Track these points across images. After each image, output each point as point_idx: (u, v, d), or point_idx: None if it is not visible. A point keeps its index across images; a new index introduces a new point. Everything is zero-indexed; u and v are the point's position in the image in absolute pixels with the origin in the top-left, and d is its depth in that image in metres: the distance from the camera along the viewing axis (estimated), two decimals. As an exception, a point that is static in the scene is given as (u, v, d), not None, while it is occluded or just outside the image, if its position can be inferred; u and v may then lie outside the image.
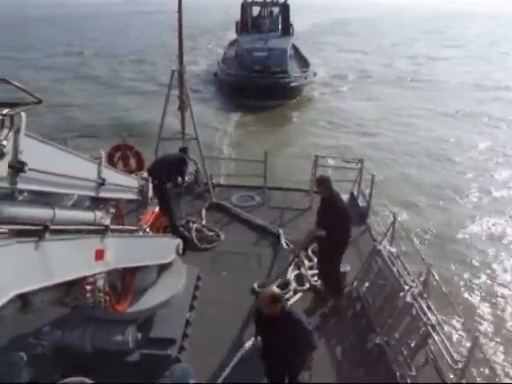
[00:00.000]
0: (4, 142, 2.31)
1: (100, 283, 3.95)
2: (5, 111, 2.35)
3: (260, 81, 26.89)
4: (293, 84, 28.04)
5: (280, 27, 36.55)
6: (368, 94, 31.98)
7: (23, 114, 2.54)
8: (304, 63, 33.58)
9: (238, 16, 38.96)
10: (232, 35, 42.61)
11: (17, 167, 2.45)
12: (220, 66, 33.61)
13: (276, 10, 38.40)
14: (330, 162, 12.88)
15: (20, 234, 2.67)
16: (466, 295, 10.58)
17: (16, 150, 2.46)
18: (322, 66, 39.34)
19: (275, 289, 4.57)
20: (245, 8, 37.49)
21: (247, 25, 36.92)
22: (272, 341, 4.47)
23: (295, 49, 35.85)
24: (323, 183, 6.49)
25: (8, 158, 2.41)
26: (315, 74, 32.66)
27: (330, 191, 6.43)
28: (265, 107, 26.89)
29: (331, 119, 25.99)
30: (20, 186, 2.57)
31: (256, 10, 38.90)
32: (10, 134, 2.40)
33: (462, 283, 11.05)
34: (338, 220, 6.32)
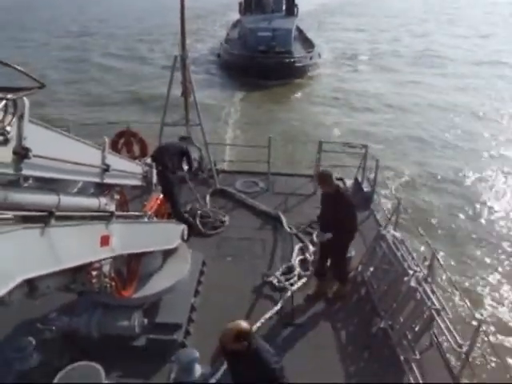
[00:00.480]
0: (8, 128, 2.31)
1: (106, 269, 3.99)
2: (8, 96, 2.34)
3: (264, 61, 26.64)
4: (297, 64, 27.74)
5: (284, 8, 35.86)
6: (373, 74, 31.66)
7: (26, 99, 2.53)
8: (308, 44, 33.18)
9: None
10: (235, 16, 42.31)
11: (21, 153, 2.46)
12: (223, 46, 33.27)
13: None
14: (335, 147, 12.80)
15: (25, 220, 2.68)
16: (471, 280, 10.58)
17: (20, 136, 2.46)
18: (327, 47, 38.87)
19: (243, 324, 3.81)
20: None
21: (251, 5, 36.33)
22: (237, 376, 4.04)
23: (299, 30, 35.35)
24: (325, 180, 6.19)
25: (12, 144, 2.41)
26: (320, 56, 32.26)
27: (333, 186, 6.15)
28: (268, 86, 26.78)
29: (336, 98, 25.82)
30: (24, 172, 2.57)
31: None
32: (14, 119, 2.39)
33: (467, 268, 11.03)
34: (345, 215, 6.13)
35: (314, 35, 36.80)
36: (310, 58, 29.69)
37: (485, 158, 17.80)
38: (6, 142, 2.30)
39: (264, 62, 26.56)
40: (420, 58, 36.27)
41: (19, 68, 2.40)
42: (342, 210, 6.09)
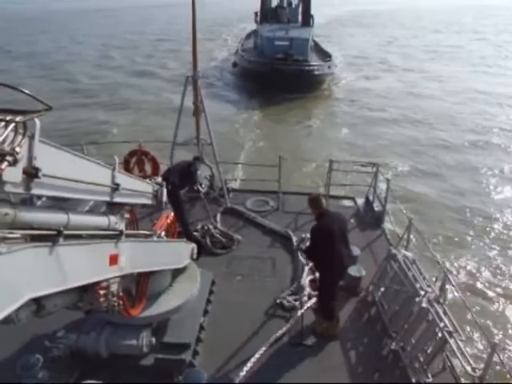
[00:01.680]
0: (17, 149, 2.35)
1: (114, 288, 3.98)
2: (18, 118, 2.39)
3: (283, 67, 26.70)
4: (317, 72, 27.93)
5: (300, 18, 36.31)
6: (391, 85, 31.83)
7: (37, 120, 2.58)
8: (324, 55, 33.60)
9: (255, 7, 39.04)
10: (247, 28, 43.30)
11: (31, 173, 2.49)
12: (239, 54, 33.69)
13: (295, 0, 38.48)
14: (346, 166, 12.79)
15: (34, 238, 2.71)
16: (484, 301, 10.38)
17: (30, 156, 2.50)
18: (342, 58, 39.38)
19: None
20: None
21: (267, 15, 36.86)
22: None
23: (314, 42, 35.63)
24: (311, 202, 6.05)
25: (22, 164, 2.45)
26: (335, 66, 32.53)
27: (318, 211, 5.96)
28: (287, 98, 26.91)
29: (357, 113, 25.93)
30: (34, 191, 2.60)
31: (275, 1, 39.16)
32: (24, 140, 2.44)
33: (479, 288, 10.84)
34: (324, 245, 5.81)
35: (327, 45, 37.38)
36: (328, 67, 29.92)
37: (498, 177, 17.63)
38: (15, 162, 2.34)
39: (282, 69, 26.60)
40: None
41: (27, 92, 2.46)
42: (322, 237, 5.86)
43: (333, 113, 26.62)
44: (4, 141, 2.31)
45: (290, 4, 38.75)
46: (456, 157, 19.48)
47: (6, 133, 2.32)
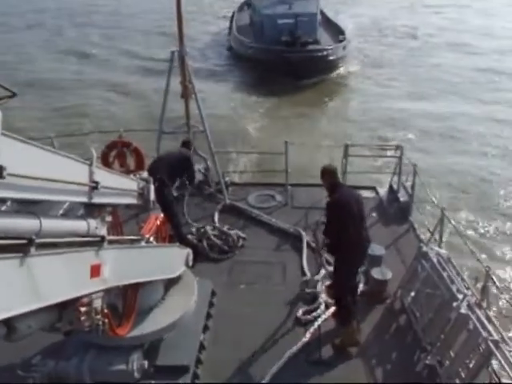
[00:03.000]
0: None
1: (97, 304, 3.98)
2: None
3: (291, 55, 26.08)
4: (331, 57, 27.27)
5: None
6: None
7: None
8: (335, 30, 32.58)
9: None
10: None
11: None
12: (235, 37, 32.66)
13: None
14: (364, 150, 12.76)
15: (1, 249, 2.70)
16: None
17: None
18: (355, 30, 38.75)
19: None
20: None
21: None
22: None
23: (321, 13, 34.79)
24: (325, 172, 6.35)
25: None
26: (349, 42, 31.04)
27: (333, 183, 6.29)
28: (298, 87, 26.27)
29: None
30: None
31: None
32: None
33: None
34: (341, 220, 6.01)
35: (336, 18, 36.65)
36: (343, 48, 29.02)
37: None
38: None
39: (290, 58, 25.93)
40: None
41: None
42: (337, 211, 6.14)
43: (348, 95, 26.67)
44: None
45: None
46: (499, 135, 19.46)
47: None
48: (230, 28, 36.73)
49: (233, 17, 39.67)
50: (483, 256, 6.90)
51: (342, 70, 29.47)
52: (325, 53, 26.99)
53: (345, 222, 5.92)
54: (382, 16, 45.70)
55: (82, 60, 33.15)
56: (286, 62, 25.82)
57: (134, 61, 32.64)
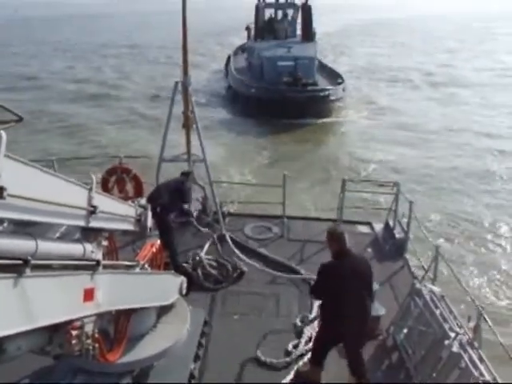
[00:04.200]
0: None
1: (89, 328, 3.95)
2: None
3: (294, 95, 26.65)
4: (332, 98, 27.98)
5: (301, 32, 36.26)
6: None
7: (3, 132, 2.60)
8: (329, 73, 33.78)
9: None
10: (235, 41, 43.75)
11: None
12: (235, 77, 33.51)
13: (290, 12, 38.72)
14: (361, 186, 12.82)
15: None
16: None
17: None
18: (348, 75, 39.86)
19: None
20: (259, 11, 37.22)
21: (263, 30, 36.71)
22: None
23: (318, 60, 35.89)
24: (331, 237, 5.74)
25: None
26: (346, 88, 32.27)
27: (339, 250, 5.64)
28: (298, 125, 26.83)
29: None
30: None
31: (267, 13, 38.89)
32: None
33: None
34: (331, 291, 5.53)
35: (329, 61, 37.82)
36: (343, 90, 29.87)
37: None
38: None
39: (294, 97, 26.47)
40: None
41: None
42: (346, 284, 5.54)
43: (346, 134, 27.12)
44: None
45: (285, 15, 38.76)
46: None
47: None
48: (227, 70, 37.96)
49: (228, 60, 40.84)
50: (477, 292, 6.88)
51: (341, 110, 30.30)
52: (326, 93, 27.63)
53: (333, 295, 5.48)
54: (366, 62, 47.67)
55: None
56: (289, 101, 26.31)
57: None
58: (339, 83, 30.63)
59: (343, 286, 5.44)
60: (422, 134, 26.17)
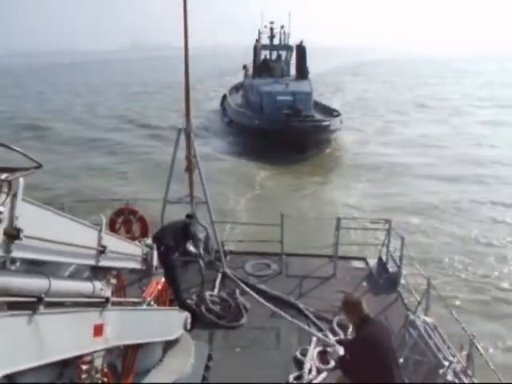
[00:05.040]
0: (1, 208, 2.42)
1: (98, 362, 3.94)
2: (3, 176, 2.48)
3: (298, 125, 27.05)
4: (332, 128, 28.54)
5: (295, 71, 37.37)
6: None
7: (21, 179, 2.67)
8: (324, 109, 34.60)
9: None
10: (229, 81, 44.91)
11: (13, 234, 2.55)
12: (235, 110, 34.27)
13: (284, 53, 40.00)
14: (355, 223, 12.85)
15: (12, 306, 2.72)
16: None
17: (12, 217, 2.57)
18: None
19: None
20: (257, 51, 38.74)
21: (260, 68, 37.81)
22: None
23: None
24: (348, 307, 5.13)
25: (4, 225, 2.51)
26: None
27: (362, 317, 4.96)
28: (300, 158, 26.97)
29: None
30: (15, 254, 2.65)
31: (263, 55, 40.33)
32: (8, 199, 2.51)
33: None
34: (373, 364, 4.72)
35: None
36: (340, 122, 30.55)
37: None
38: None
39: (300, 127, 26.82)
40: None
41: (17, 149, 2.56)
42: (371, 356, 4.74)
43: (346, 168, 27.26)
44: None
45: (279, 56, 40.13)
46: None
47: None
48: (223, 107, 39.30)
49: (224, 98, 41.93)
50: (468, 324, 6.81)
51: (339, 141, 31.34)
52: (327, 123, 28.19)
53: (377, 366, 4.71)
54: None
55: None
56: (294, 130, 26.60)
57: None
58: (336, 116, 31.34)
59: (382, 350, 4.78)
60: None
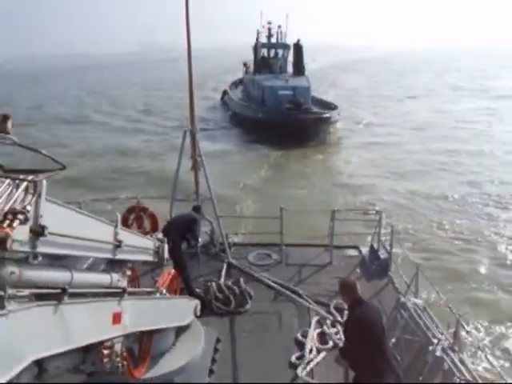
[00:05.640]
0: (28, 208, 2.47)
1: (117, 347, 3.96)
2: (29, 178, 2.52)
3: (302, 117, 27.31)
4: (333, 119, 28.77)
5: (292, 68, 37.62)
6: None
7: (44, 180, 2.70)
8: (320, 103, 34.60)
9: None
10: (228, 79, 46.10)
11: (38, 231, 2.59)
12: (238, 104, 34.52)
13: (281, 51, 40.30)
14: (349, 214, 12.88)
15: (39, 297, 2.76)
16: (502, 345, 10.13)
17: (37, 215, 2.61)
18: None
19: None
20: (258, 49, 39.30)
21: (260, 65, 38.18)
22: None
23: None
24: (344, 288, 5.16)
25: (30, 223, 2.55)
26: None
27: (356, 298, 4.99)
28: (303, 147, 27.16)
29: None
30: (40, 249, 2.68)
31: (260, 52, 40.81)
32: (34, 199, 2.55)
33: (496, 332, 10.60)
34: (367, 341, 4.76)
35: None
36: (338, 114, 30.75)
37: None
38: (26, 220, 2.45)
39: (304, 119, 27.06)
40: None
41: (43, 152, 2.59)
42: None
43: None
44: (15, 200, 2.42)
45: (276, 54, 40.32)
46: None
47: (18, 192, 2.44)
48: (224, 101, 40.29)
49: (224, 93, 42.04)
50: (455, 303, 6.89)
51: (339, 131, 31.58)
52: (328, 115, 28.44)
53: (370, 343, 4.74)
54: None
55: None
56: (298, 122, 26.92)
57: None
58: (334, 108, 31.40)
59: (374, 328, 4.83)
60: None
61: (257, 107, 31.16)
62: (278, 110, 28.73)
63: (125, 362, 4.16)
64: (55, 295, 2.90)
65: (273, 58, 39.86)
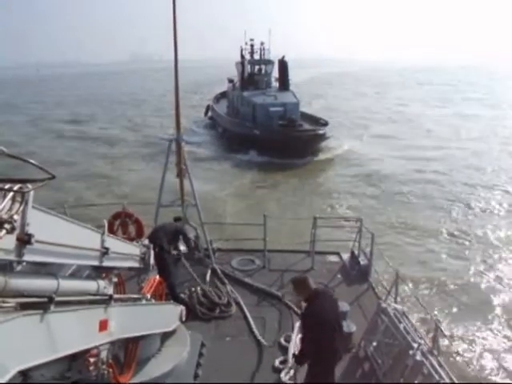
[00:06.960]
0: (15, 217, 2.38)
1: (103, 355, 3.87)
2: (16, 187, 2.43)
3: (300, 134, 27.34)
4: (327, 135, 28.75)
5: (278, 83, 37.35)
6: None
7: (30, 186, 2.61)
8: (310, 118, 34.53)
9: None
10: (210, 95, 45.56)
11: (24, 240, 2.50)
12: (227, 120, 34.15)
13: (264, 67, 40.03)
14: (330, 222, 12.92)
15: (24, 306, 2.66)
16: (479, 349, 10.21)
17: (23, 223, 2.52)
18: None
19: None
20: (245, 66, 38.94)
21: (247, 81, 37.78)
22: None
23: None
24: (296, 286, 5.27)
25: (17, 231, 2.46)
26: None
27: (310, 293, 5.13)
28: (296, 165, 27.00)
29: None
30: (26, 257, 2.60)
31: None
32: (21, 208, 2.46)
33: (473, 336, 10.68)
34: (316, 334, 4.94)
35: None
36: (329, 130, 30.57)
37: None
38: (12, 229, 2.36)
39: (301, 136, 27.07)
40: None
41: (31, 161, 2.50)
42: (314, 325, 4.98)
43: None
44: (2, 209, 2.34)
45: (260, 70, 40.18)
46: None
47: (5, 201, 2.35)
48: (211, 116, 39.52)
49: (208, 108, 41.74)
50: (433, 309, 6.91)
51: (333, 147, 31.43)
52: (323, 132, 28.55)
53: (318, 336, 4.90)
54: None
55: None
56: (294, 139, 26.99)
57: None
58: (324, 124, 31.35)
59: (323, 322, 4.94)
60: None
61: (254, 124, 30.86)
62: (271, 127, 28.68)
63: (110, 369, 4.07)
64: (41, 304, 2.81)
65: (257, 73, 39.82)
